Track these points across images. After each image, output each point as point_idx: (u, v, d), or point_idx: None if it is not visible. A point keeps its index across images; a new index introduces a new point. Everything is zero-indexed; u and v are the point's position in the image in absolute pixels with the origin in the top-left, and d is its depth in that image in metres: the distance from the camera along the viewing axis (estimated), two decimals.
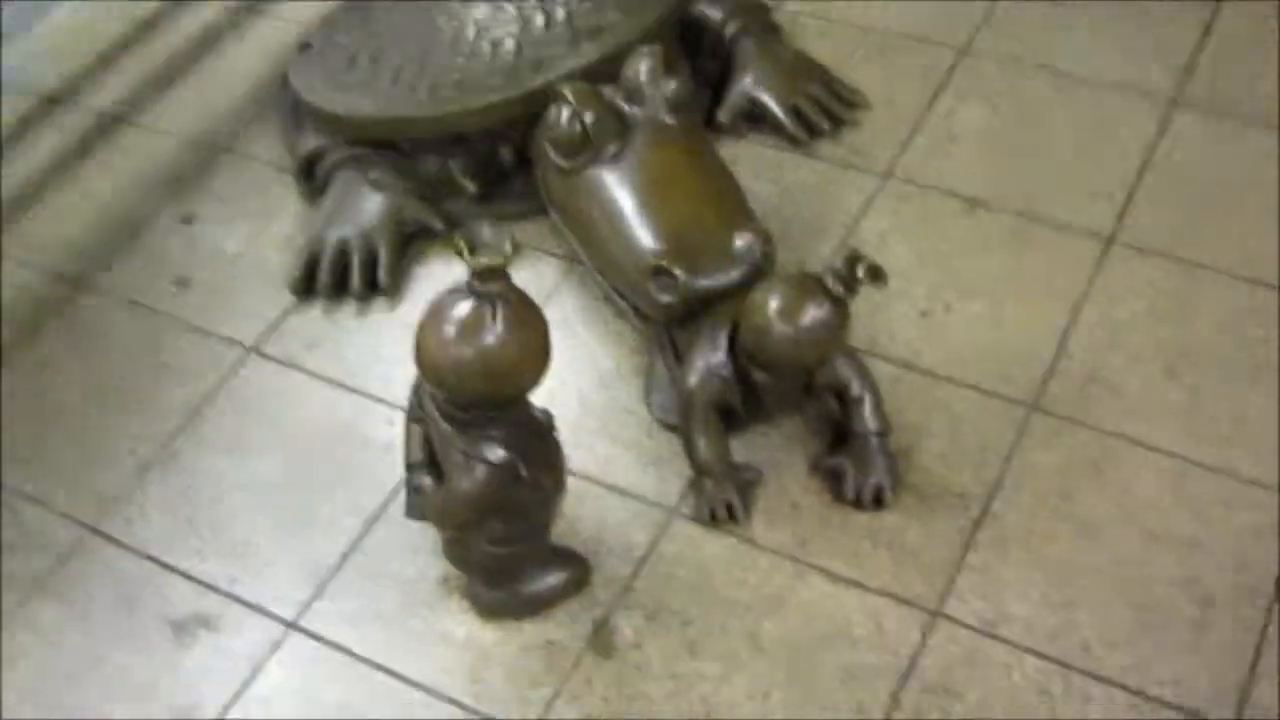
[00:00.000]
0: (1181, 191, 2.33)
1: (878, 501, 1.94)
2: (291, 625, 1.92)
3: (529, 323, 1.59)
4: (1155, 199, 2.32)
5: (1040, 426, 2.03)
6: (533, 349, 1.59)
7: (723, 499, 1.94)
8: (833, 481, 1.97)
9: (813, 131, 2.46)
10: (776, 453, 2.03)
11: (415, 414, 1.83)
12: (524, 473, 1.66)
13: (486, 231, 1.57)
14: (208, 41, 2.88)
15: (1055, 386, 2.07)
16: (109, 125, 2.72)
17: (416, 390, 1.80)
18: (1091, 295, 2.19)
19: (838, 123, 2.48)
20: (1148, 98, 2.48)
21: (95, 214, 2.54)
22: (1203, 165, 2.36)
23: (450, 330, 1.56)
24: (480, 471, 1.65)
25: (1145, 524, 1.91)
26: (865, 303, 2.11)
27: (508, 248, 1.54)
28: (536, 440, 1.72)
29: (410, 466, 1.87)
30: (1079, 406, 2.05)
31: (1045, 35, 2.62)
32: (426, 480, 1.84)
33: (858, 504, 1.94)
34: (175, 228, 2.49)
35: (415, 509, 1.88)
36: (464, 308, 1.56)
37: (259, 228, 2.47)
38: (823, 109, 2.48)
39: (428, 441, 1.82)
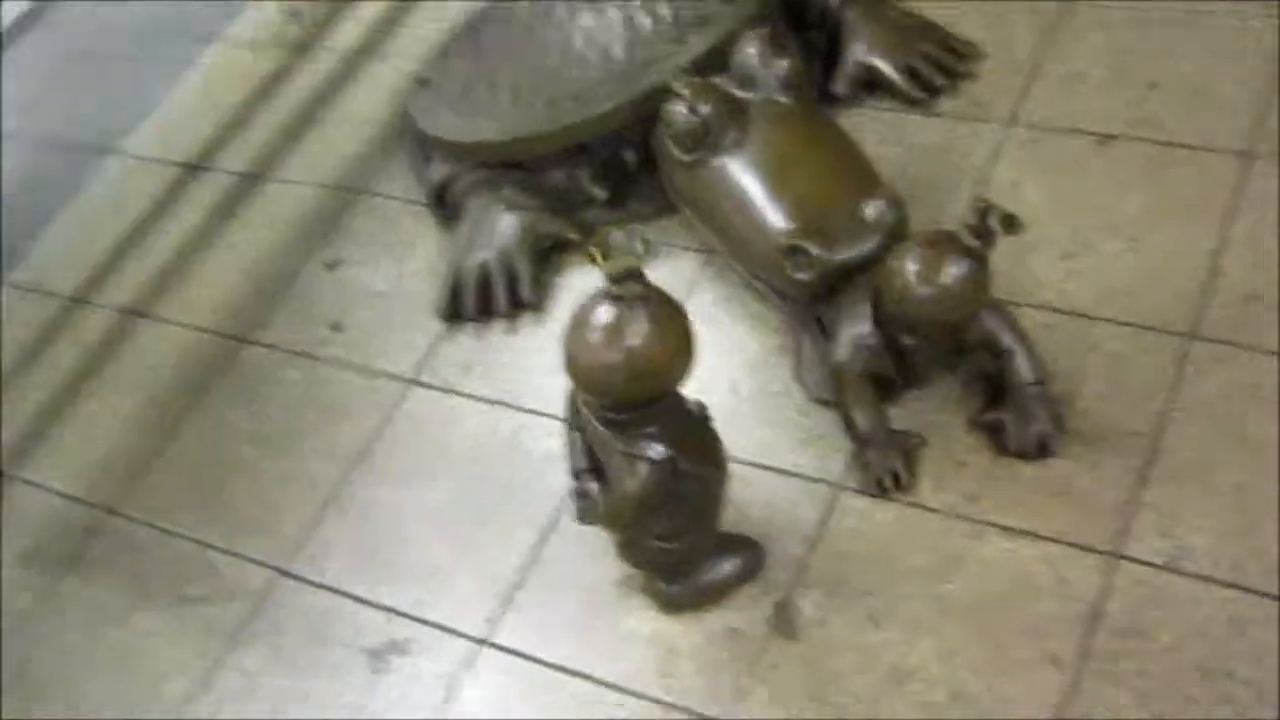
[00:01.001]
0: None
1: (1043, 450, 1.92)
2: (482, 642, 1.97)
3: (670, 319, 1.61)
4: None
5: (1201, 354, 1.99)
6: (677, 344, 1.61)
7: (888, 467, 1.94)
8: (995, 436, 1.96)
9: (930, 89, 2.44)
10: (936, 415, 2.02)
11: (574, 422, 1.86)
12: (684, 466, 1.68)
13: (618, 235, 1.57)
14: (330, 90, 2.96)
15: (1211, 312, 2.03)
16: (247, 185, 2.82)
17: (571, 399, 1.83)
18: (1238, 214, 2.14)
19: (955, 77, 2.46)
20: (1272, 6, 2.40)
21: (246, 271, 2.64)
22: None
23: (595, 336, 1.59)
24: (642, 470, 1.68)
25: None
26: (1006, 253, 2.09)
27: (640, 248, 1.56)
28: (693, 433, 1.75)
29: (576, 474, 1.90)
30: (1238, 329, 2.00)
31: None
32: (592, 485, 1.87)
33: (1023, 455, 1.93)
34: (323, 274, 2.58)
35: (585, 514, 1.90)
36: (605, 312, 1.59)
37: (401, 262, 2.54)
38: (938, 65, 2.46)
39: (589, 447, 1.85)
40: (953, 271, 1.80)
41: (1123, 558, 1.82)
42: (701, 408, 1.78)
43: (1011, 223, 1.78)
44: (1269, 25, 2.37)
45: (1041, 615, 1.79)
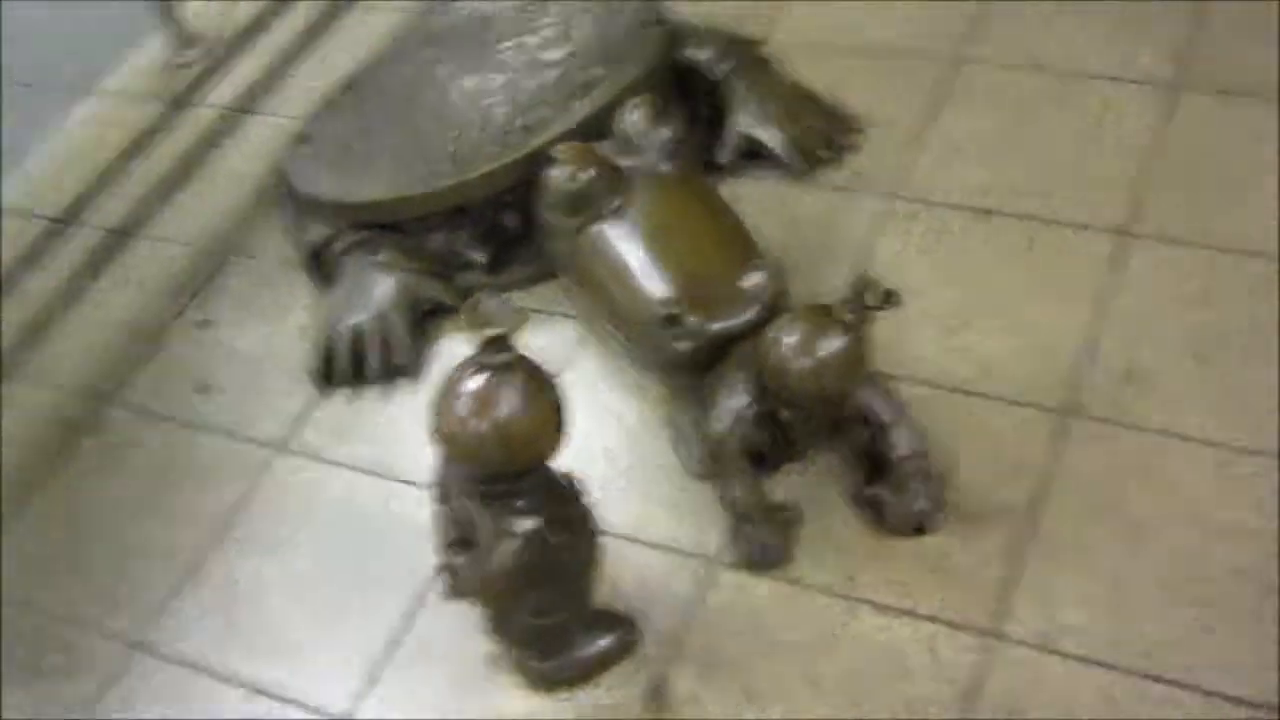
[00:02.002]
0: (1192, 176, 2.29)
1: (921, 527, 1.91)
2: (344, 719, 1.90)
3: (541, 389, 1.57)
4: (1167, 186, 2.29)
5: (1078, 431, 1.99)
6: (548, 415, 1.58)
7: (763, 542, 1.91)
8: (874, 511, 1.94)
9: (814, 161, 2.44)
10: (814, 489, 2.00)
11: (442, 494, 1.81)
12: (555, 539, 1.64)
13: (489, 302, 1.54)
14: (204, 148, 2.89)
15: (1088, 389, 2.04)
16: (117, 241, 2.73)
17: (440, 468, 1.78)
18: (1116, 291, 2.15)
19: (838, 149, 2.46)
20: (1148, 86, 2.45)
21: (113, 330, 2.55)
22: (1211, 147, 2.33)
23: (463, 406, 1.55)
24: (511, 544, 1.63)
25: (1198, 518, 1.86)
26: (886, 326, 2.09)
27: (511, 316, 1.52)
28: (564, 505, 1.70)
29: (444, 547, 1.85)
30: (1115, 406, 2.01)
31: (1038, 35, 2.60)
32: (460, 559, 1.83)
33: (901, 531, 1.91)
34: (193, 335, 2.50)
35: (454, 589, 1.86)
36: (475, 381, 1.55)
37: (274, 324, 2.47)
38: (821, 137, 2.46)
39: (458, 520, 1.80)
40: (829, 345, 1.78)
41: (999, 636, 1.80)
42: (573, 480, 1.74)
43: (890, 297, 1.77)
44: (1150, 103, 2.41)
45: (916, 696, 1.76)
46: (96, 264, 2.71)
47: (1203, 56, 2.48)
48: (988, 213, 2.31)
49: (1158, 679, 1.72)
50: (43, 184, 2.93)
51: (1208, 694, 1.70)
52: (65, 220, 2.82)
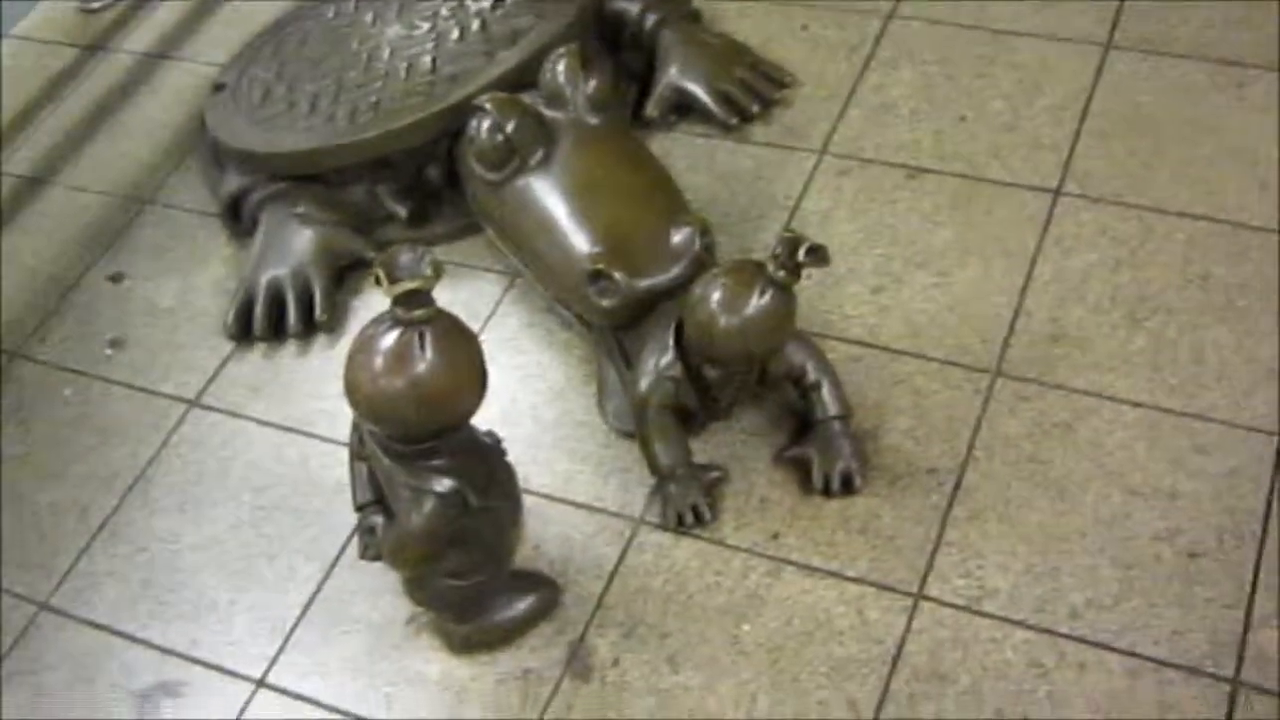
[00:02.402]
0: (1123, 136, 2.27)
1: (847, 487, 1.88)
2: (259, 683, 1.86)
3: (459, 346, 1.52)
4: (1098, 146, 2.26)
5: (1006, 392, 1.98)
6: (466, 373, 1.53)
7: (688, 502, 1.88)
8: (799, 471, 1.92)
9: (743, 116, 2.40)
10: (739, 449, 1.97)
11: (358, 452, 1.77)
12: (474, 500, 1.60)
13: (405, 255, 1.49)
14: (122, 94, 2.81)
15: (1017, 349, 2.02)
16: (28, 189, 2.65)
17: (356, 427, 1.74)
18: (1044, 251, 2.14)
19: (768, 104, 2.42)
20: (1079, 45, 2.43)
21: (22, 282, 2.48)
22: (1142, 107, 2.31)
23: (379, 362, 1.50)
24: (429, 504, 1.59)
25: (1122, 479, 1.85)
26: (815, 284, 2.08)
27: (428, 269, 1.47)
28: (485, 465, 1.66)
29: (360, 508, 1.81)
30: (1043, 366, 1.99)
31: None
32: (378, 519, 1.78)
33: (827, 492, 1.89)
34: (105, 287, 2.43)
35: (370, 550, 1.82)
36: (390, 337, 1.50)
37: (190, 277, 2.41)
38: (751, 91, 2.42)
39: (374, 479, 1.76)
40: (757, 303, 1.75)
41: (925, 598, 1.78)
42: (495, 438, 1.71)
43: (819, 254, 1.73)
44: (1081, 62, 2.39)
45: (842, 657, 1.74)
46: (7, 213, 2.63)
47: (1135, 15, 2.46)
48: (918, 171, 2.28)
49: (1082, 640, 1.71)
50: None
51: (1131, 655, 1.69)
52: None
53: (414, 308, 1.48)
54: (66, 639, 1.96)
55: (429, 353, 1.48)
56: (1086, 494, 1.85)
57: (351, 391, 1.54)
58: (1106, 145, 2.26)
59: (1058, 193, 2.21)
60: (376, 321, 1.52)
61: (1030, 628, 1.73)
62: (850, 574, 1.82)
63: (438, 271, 1.48)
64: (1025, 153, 2.28)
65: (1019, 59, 2.43)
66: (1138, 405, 1.93)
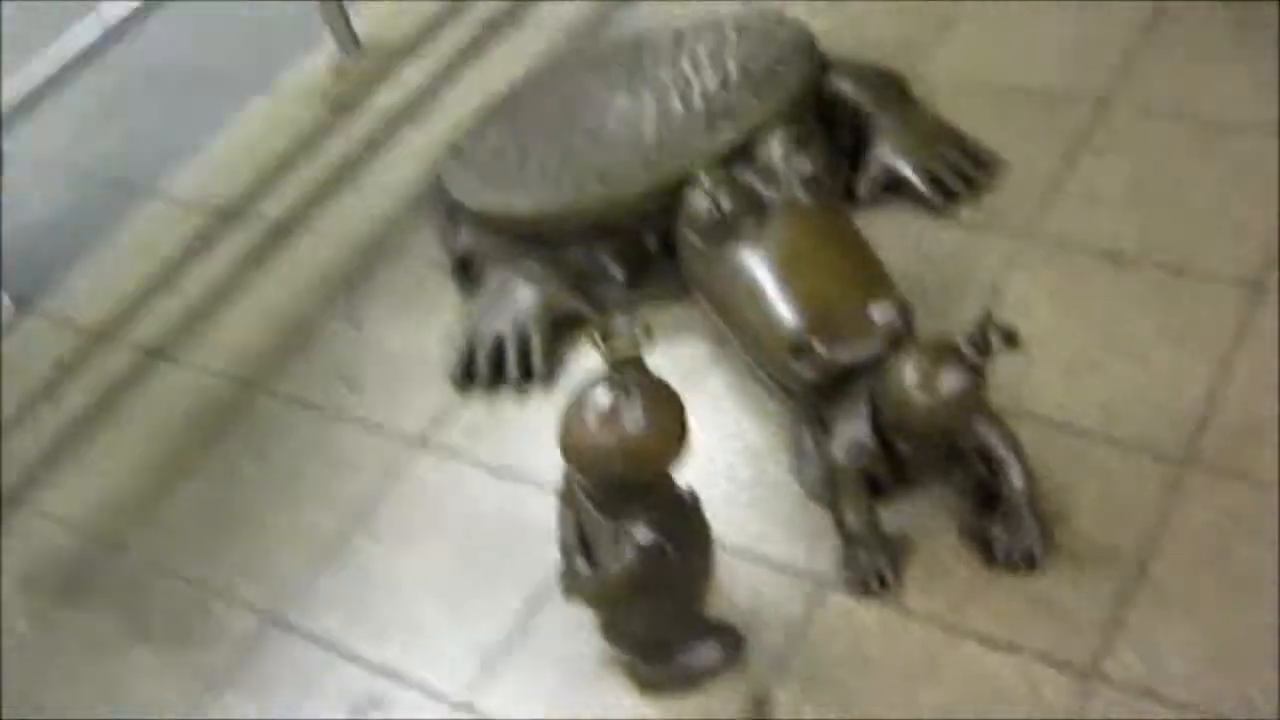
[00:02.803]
0: None
1: (1029, 563, 1.94)
2: (461, 706, 1.99)
3: (665, 407, 1.64)
4: None
5: (1194, 482, 2.01)
6: (669, 432, 1.65)
7: (874, 568, 1.96)
8: (983, 546, 1.98)
9: (950, 195, 2.48)
10: (926, 520, 2.04)
11: (567, 499, 1.90)
12: (671, 552, 1.71)
13: (620, 320, 1.62)
14: (368, 151, 3.03)
15: (1208, 440, 2.05)
16: (279, 235, 2.88)
17: (566, 476, 1.87)
18: (1243, 344, 2.16)
19: (975, 186, 2.49)
20: None
21: (268, 321, 2.69)
22: None
23: (590, 419, 1.63)
24: (629, 553, 1.71)
25: None
26: (1010, 365, 2.12)
27: (640, 335, 1.60)
28: (683, 519, 1.78)
29: (565, 549, 1.93)
30: (1234, 459, 2.02)
31: (1183, 83, 2.60)
32: (580, 562, 1.90)
33: (1009, 567, 1.95)
34: (343, 330, 2.62)
35: (571, 590, 1.94)
36: (602, 396, 1.63)
37: (420, 325, 2.58)
38: (959, 173, 2.50)
39: (580, 525, 1.88)
40: (949, 382, 1.83)
41: (1100, 678, 1.83)
42: (693, 494, 1.81)
43: (1012, 339, 1.80)
44: None
45: None
46: (258, 256, 2.85)
47: None
48: (1120, 258, 2.32)
49: None
50: (215, 176, 3.10)
51: None
52: (232, 212, 2.98)
53: (625, 369, 1.61)
54: (290, 652, 2.13)
55: (638, 411, 1.60)
56: (1270, 588, 1.86)
57: (565, 444, 1.67)
58: None
59: (1260, 287, 2.23)
60: (592, 381, 1.64)
61: (1203, 715, 1.76)
62: (1027, 648, 1.87)
63: (649, 335, 1.60)
64: (1230, 246, 2.30)
65: (1231, 151, 2.45)
66: None
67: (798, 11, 2.80)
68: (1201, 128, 2.51)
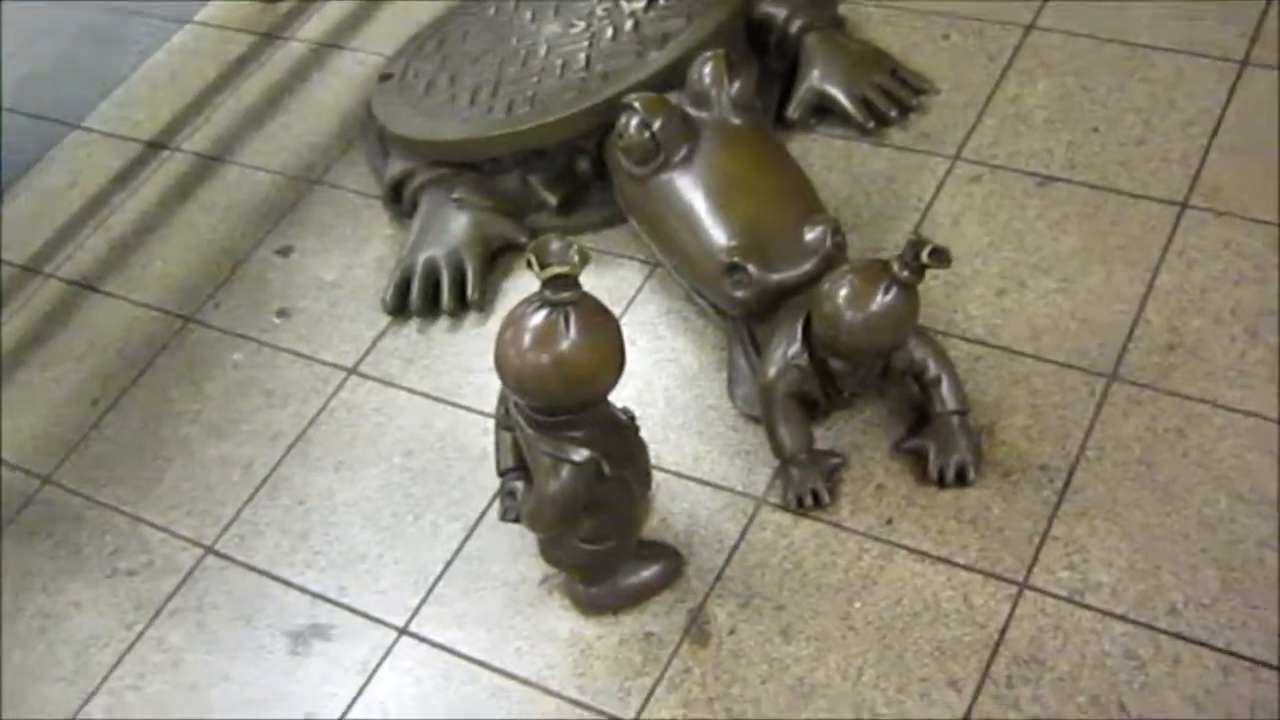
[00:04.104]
0: (1254, 152, 2.32)
1: (961, 479, 1.98)
2: (402, 630, 2.01)
3: (601, 327, 1.65)
4: (1228, 161, 2.31)
5: (1121, 396, 2.05)
6: (606, 352, 1.66)
7: (808, 485, 1.99)
8: (916, 462, 2.01)
9: (881, 120, 2.49)
10: (859, 437, 2.07)
11: (503, 421, 1.91)
12: (608, 470, 1.73)
13: (555, 242, 1.62)
14: (295, 80, 3.00)
15: (1135, 355, 2.09)
16: (207, 167, 2.85)
17: (503, 398, 1.88)
18: (1168, 262, 2.20)
19: (906, 109, 2.51)
20: (1215, 62, 2.47)
21: (199, 252, 2.67)
22: (1274, 123, 2.35)
23: (527, 339, 1.63)
24: (566, 472, 1.72)
25: (1230, 486, 1.92)
26: (941, 284, 2.17)
27: (575, 257, 1.60)
28: (619, 439, 1.79)
29: (502, 472, 1.95)
30: (1159, 373, 2.06)
31: (1108, 8, 2.62)
32: (518, 484, 1.92)
33: (941, 483, 1.98)
34: (274, 260, 2.61)
35: (509, 513, 1.95)
36: (538, 317, 1.63)
37: (352, 254, 2.57)
38: (890, 97, 2.51)
39: (516, 447, 1.89)
40: (882, 300, 1.85)
41: (1029, 587, 1.87)
42: (630, 415, 1.83)
43: (942, 257, 1.82)
44: (1220, 79, 2.44)
45: (946, 639, 1.84)
46: (186, 188, 2.82)
47: (1272, 33, 2.50)
48: (1048, 179, 2.35)
49: (1179, 636, 1.78)
50: (138, 109, 3.06)
51: (1227, 653, 1.76)
52: (158, 144, 2.94)
53: (561, 290, 1.61)
54: (228, 580, 2.13)
55: (573, 332, 1.61)
56: (1193, 497, 1.91)
57: (501, 365, 1.67)
58: (1235, 161, 2.31)
59: (1185, 205, 2.27)
60: (527, 302, 1.65)
61: (1129, 621, 1.81)
62: (959, 561, 1.91)
63: (584, 258, 1.60)
64: (1155, 165, 2.33)
65: (1155, 73, 2.48)
66: (1250, 415, 1.99)
67: None
68: (1124, 50, 2.54)
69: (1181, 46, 2.51)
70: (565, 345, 1.61)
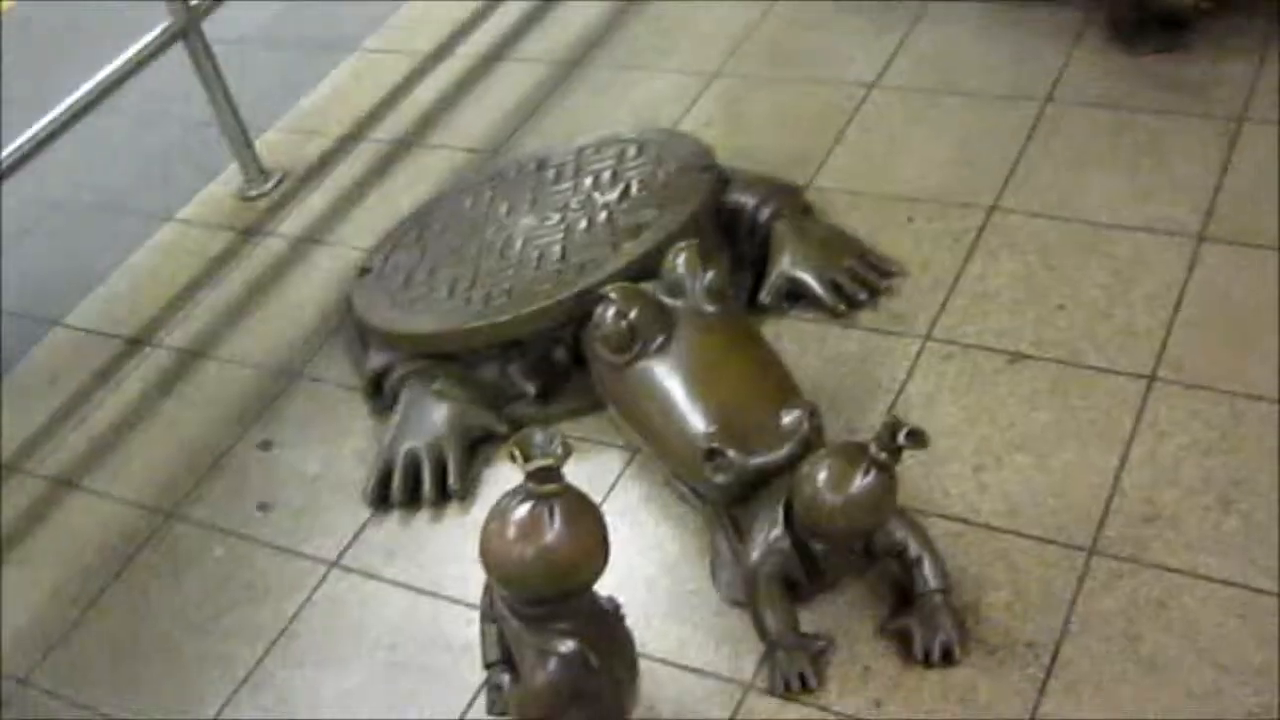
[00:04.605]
0: (1216, 324, 2.37)
1: (947, 658, 1.98)
2: None
3: (585, 519, 1.67)
4: (1192, 334, 2.37)
5: (1101, 569, 2.06)
6: (590, 544, 1.67)
7: (795, 669, 1.99)
8: (901, 642, 2.02)
9: (851, 303, 2.55)
10: (844, 619, 2.07)
11: (488, 613, 1.91)
12: (595, 662, 1.73)
13: (538, 435, 1.64)
14: (275, 275, 3.05)
15: (1112, 528, 2.11)
16: (187, 362, 2.88)
17: (488, 590, 1.88)
18: (1139, 434, 2.23)
19: (875, 292, 2.56)
20: (1174, 237, 2.54)
21: (180, 447, 2.68)
22: (1235, 296, 2.41)
23: (511, 532, 1.65)
24: (553, 664, 1.72)
25: (1213, 657, 1.92)
26: (918, 463, 2.19)
27: (558, 449, 1.63)
28: (605, 629, 1.79)
29: (488, 665, 1.94)
30: (1137, 546, 2.08)
31: (1068, 187, 2.70)
32: (505, 677, 1.91)
33: (927, 662, 1.98)
34: (255, 454, 2.62)
35: (496, 706, 1.94)
36: (523, 510, 1.65)
37: (334, 447, 2.59)
38: (859, 280, 2.57)
39: (502, 639, 1.89)
40: (860, 483, 1.88)
41: None
42: (615, 604, 1.83)
43: (918, 438, 1.86)
44: (1180, 253, 2.50)
45: None
46: (166, 383, 2.85)
47: (1226, 208, 2.57)
48: (1017, 356, 2.40)
49: None
50: (119, 305, 3.10)
51: None
52: (139, 340, 2.97)
53: (545, 482, 1.63)
54: None
55: (558, 524, 1.63)
56: (1179, 670, 1.91)
57: (486, 557, 1.69)
58: (1199, 334, 2.36)
59: (1152, 379, 2.31)
60: (511, 494, 1.67)
61: None
62: None
63: (567, 451, 1.63)
64: (1121, 340, 2.38)
65: (1116, 249, 2.55)
66: (1230, 584, 2.00)
67: (693, 128, 2.88)
68: (1086, 229, 2.61)
69: (1139, 224, 2.59)
70: (550, 537, 1.63)
